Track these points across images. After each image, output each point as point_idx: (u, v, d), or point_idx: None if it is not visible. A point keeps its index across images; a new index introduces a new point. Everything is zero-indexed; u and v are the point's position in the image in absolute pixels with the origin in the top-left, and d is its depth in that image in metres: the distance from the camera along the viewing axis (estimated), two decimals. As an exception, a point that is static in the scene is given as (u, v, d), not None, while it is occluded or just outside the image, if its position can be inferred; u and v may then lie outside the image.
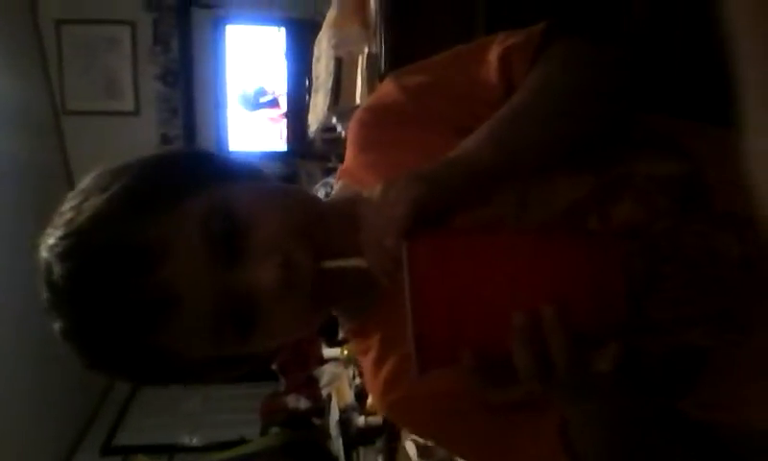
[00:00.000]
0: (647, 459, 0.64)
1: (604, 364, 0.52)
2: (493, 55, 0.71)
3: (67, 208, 0.63)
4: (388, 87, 0.77)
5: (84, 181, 0.65)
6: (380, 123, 0.76)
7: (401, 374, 0.72)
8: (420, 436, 1.05)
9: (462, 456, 0.86)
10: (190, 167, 0.68)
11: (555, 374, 0.51)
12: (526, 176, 0.64)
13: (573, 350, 0.50)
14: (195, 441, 4.02)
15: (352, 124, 0.79)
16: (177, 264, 0.60)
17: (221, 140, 4.84)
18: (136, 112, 4.63)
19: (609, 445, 0.62)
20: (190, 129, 4.70)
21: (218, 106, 4.82)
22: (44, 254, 0.62)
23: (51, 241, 0.61)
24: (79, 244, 0.60)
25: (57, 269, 0.60)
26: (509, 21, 0.78)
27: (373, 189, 0.56)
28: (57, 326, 0.62)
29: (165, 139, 4.66)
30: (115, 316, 0.60)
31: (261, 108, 4.98)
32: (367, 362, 0.77)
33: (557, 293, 0.50)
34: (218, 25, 4.76)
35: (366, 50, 1.84)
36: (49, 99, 4.44)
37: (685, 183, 0.66)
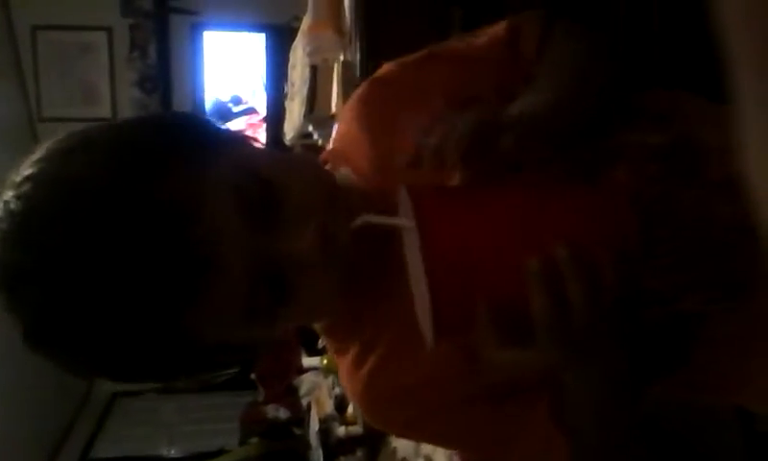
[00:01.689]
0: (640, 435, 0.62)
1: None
2: (497, 27, 0.74)
3: (34, 167, 0.52)
4: (386, 66, 0.78)
5: (44, 148, 0.54)
6: (379, 98, 0.76)
7: (386, 367, 0.70)
8: (404, 435, 1.02)
9: (450, 448, 0.83)
10: (197, 129, 0.61)
11: (572, 318, 0.49)
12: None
13: (590, 286, 0.49)
14: (173, 452, 3.98)
15: (352, 99, 0.78)
16: (212, 226, 0.53)
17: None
18: (114, 119, 4.58)
19: (606, 415, 0.60)
20: (168, 135, 4.65)
21: (196, 111, 4.78)
22: (11, 211, 0.51)
23: (10, 205, 0.51)
24: (78, 194, 0.49)
25: (50, 231, 0.49)
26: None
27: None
28: (25, 312, 0.51)
29: (143, 146, 4.62)
30: (136, 286, 0.49)
31: (236, 117, 4.94)
32: (345, 360, 0.74)
33: (569, 237, 0.50)
34: (196, 31, 4.73)
35: (341, 57, 1.83)
36: (25, 106, 4.39)
37: (677, 150, 0.66)
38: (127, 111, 4.59)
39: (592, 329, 0.51)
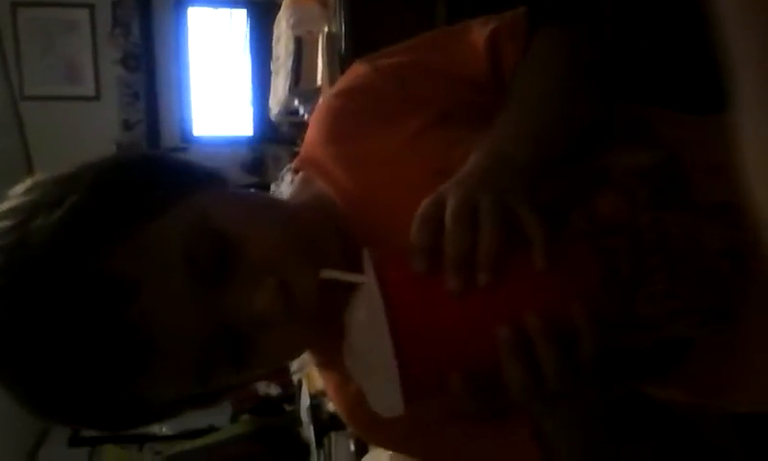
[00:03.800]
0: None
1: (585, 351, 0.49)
2: (478, 38, 0.70)
3: (8, 227, 0.52)
4: (360, 70, 0.72)
5: (22, 193, 0.55)
6: (354, 110, 0.71)
7: None
8: (392, 450, 1.02)
9: None
10: (153, 176, 0.58)
11: (545, 384, 0.48)
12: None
13: (562, 356, 0.47)
14: (165, 429, 3.97)
15: (321, 110, 0.74)
16: (154, 302, 0.52)
17: (184, 125, 4.76)
18: (97, 97, 4.54)
19: (585, 447, 0.61)
20: (152, 114, 4.63)
21: (181, 89, 4.73)
22: None
23: None
24: (34, 280, 0.50)
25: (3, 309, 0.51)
26: (469, 3, 0.77)
27: (427, 204, 0.50)
28: None
29: (127, 125, 4.58)
30: (85, 364, 0.51)
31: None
32: (330, 375, 0.72)
33: (538, 300, 0.48)
34: (179, 7, 4.68)
35: (325, 29, 1.81)
36: (7, 85, 4.33)
37: (664, 173, 0.64)
38: (110, 89, 4.55)
39: (568, 389, 0.49)
